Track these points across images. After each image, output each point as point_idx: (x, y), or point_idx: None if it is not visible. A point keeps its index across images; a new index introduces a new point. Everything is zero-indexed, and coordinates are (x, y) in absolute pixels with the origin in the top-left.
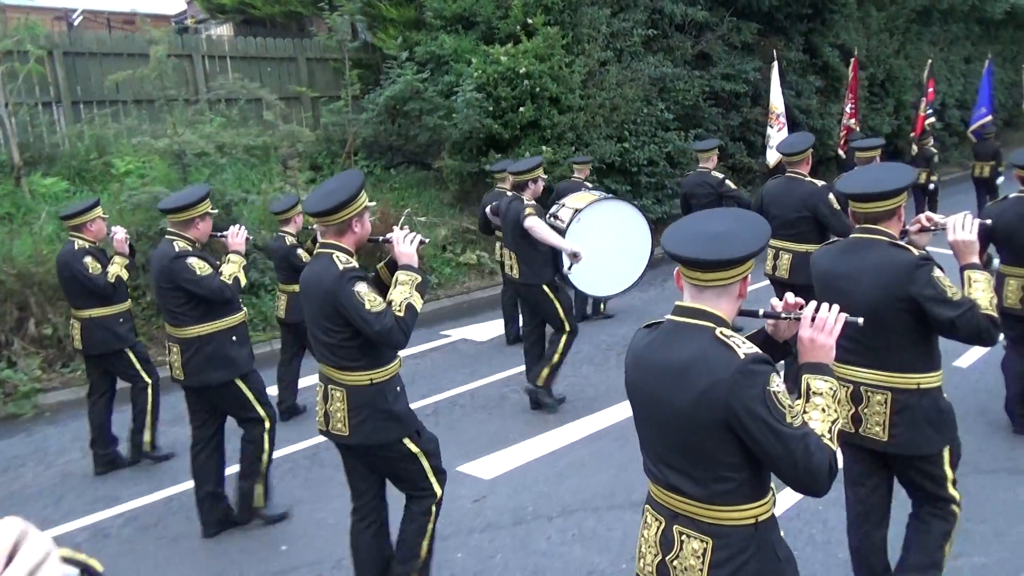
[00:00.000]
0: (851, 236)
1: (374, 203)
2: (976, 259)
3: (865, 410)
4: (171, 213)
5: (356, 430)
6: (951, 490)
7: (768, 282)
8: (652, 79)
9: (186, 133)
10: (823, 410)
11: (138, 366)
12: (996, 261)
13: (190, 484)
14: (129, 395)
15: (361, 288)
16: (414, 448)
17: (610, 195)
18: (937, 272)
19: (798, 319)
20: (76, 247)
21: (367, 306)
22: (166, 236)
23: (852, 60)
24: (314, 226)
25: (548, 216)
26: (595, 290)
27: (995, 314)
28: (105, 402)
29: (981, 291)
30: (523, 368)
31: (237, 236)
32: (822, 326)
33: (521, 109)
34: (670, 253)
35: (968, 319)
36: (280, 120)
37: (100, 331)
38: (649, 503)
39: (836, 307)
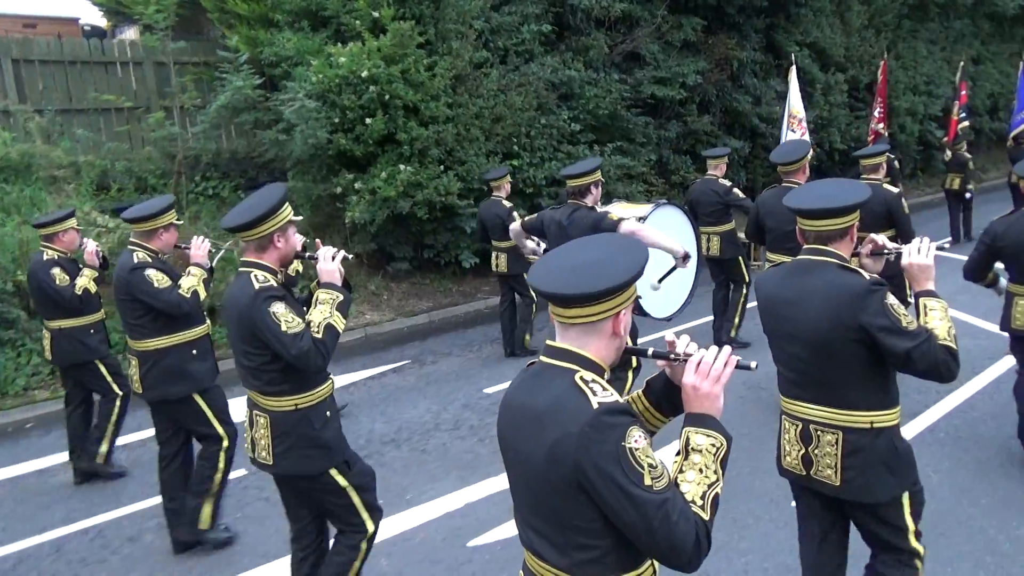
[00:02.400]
0: (798, 257)
1: (300, 217)
2: (932, 285)
3: (815, 451)
4: (134, 223)
5: (280, 459)
6: (913, 543)
7: None
8: (551, 84)
9: None
10: (700, 470)
11: (108, 378)
12: (1004, 280)
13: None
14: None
15: (278, 308)
16: (342, 481)
17: (664, 201)
18: (891, 299)
19: (685, 361)
20: (45, 258)
21: (283, 327)
22: (128, 247)
23: (881, 63)
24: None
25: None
26: (658, 312)
27: (954, 346)
28: (82, 413)
29: (938, 320)
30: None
31: (199, 248)
32: (706, 372)
33: (369, 121)
34: (532, 287)
35: (925, 351)
36: (38, 136)
37: (70, 342)
38: (523, 567)
39: (726, 350)
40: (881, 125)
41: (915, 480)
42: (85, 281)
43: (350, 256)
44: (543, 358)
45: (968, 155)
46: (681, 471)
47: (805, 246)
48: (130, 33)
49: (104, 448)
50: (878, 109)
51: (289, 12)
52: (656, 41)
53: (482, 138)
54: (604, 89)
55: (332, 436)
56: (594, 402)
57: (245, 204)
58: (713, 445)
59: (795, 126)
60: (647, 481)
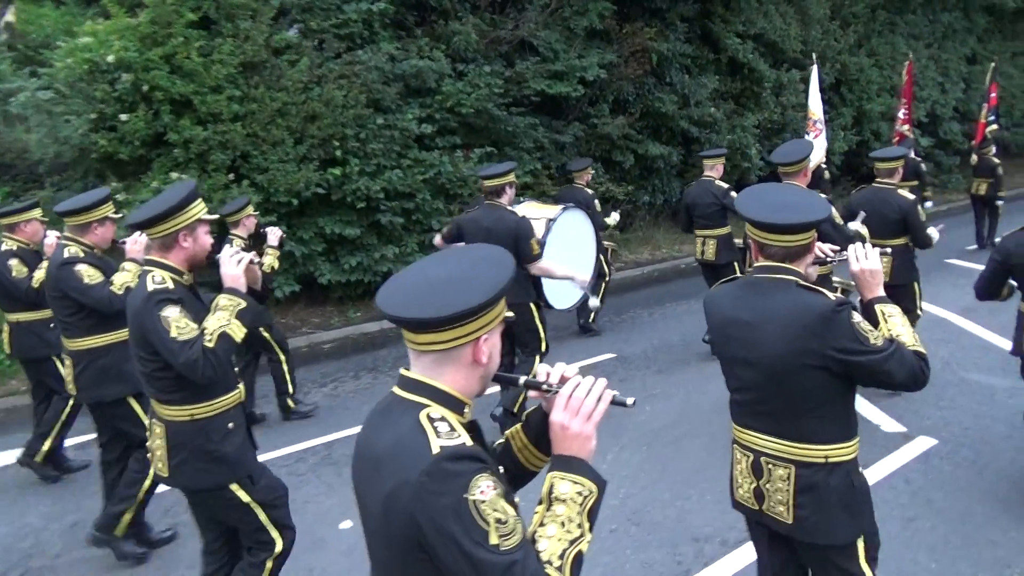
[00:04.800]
0: (754, 275)
1: (214, 216)
2: (883, 291)
3: (767, 485)
4: (67, 216)
5: (176, 472)
6: None
7: None
8: (396, 76)
9: None
10: (563, 524)
11: (64, 374)
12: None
13: None
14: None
15: (169, 312)
16: (244, 496)
17: (571, 204)
18: (856, 316)
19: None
20: (4, 248)
21: (172, 333)
22: (61, 241)
23: (907, 63)
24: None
25: None
26: (560, 303)
27: (923, 349)
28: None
29: (900, 326)
30: None
31: (136, 243)
32: (577, 408)
33: (124, 117)
34: (381, 311)
35: (899, 361)
36: None
37: (28, 336)
38: None
39: (601, 383)
40: (906, 127)
41: (871, 521)
42: (43, 274)
43: (258, 261)
44: (395, 389)
45: (997, 160)
46: (542, 524)
47: (760, 262)
48: (8, 15)
49: (46, 446)
50: (902, 111)
51: None
52: (556, 28)
53: (290, 140)
54: (471, 84)
55: (233, 450)
56: (435, 446)
57: (152, 200)
58: (580, 494)
59: (809, 128)
60: (493, 540)
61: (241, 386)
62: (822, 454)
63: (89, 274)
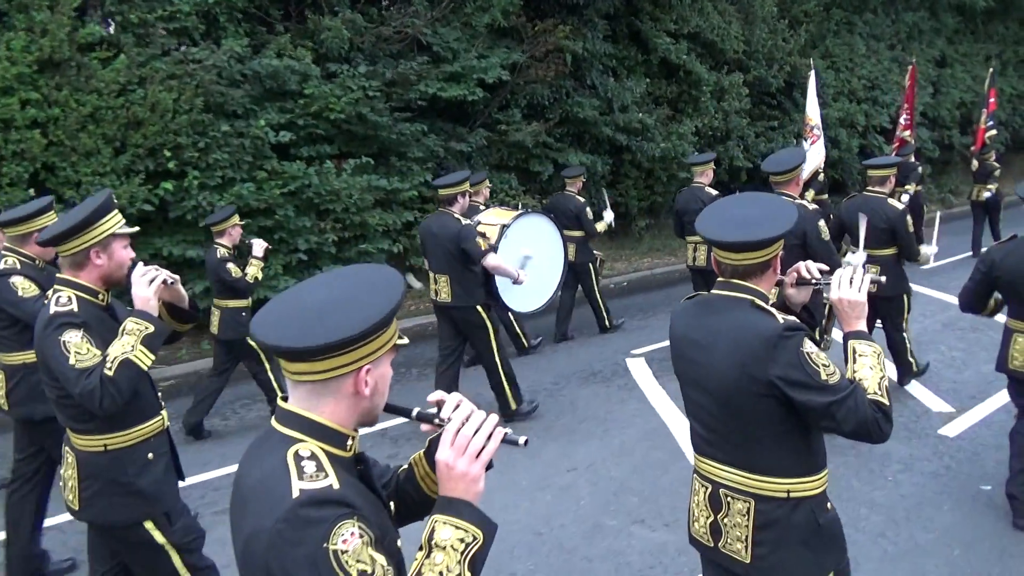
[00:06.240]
0: (711, 292)
1: (136, 228)
2: (864, 325)
3: (725, 520)
4: (6, 226)
5: (86, 504)
6: None
7: None
8: (241, 77)
9: None
10: (442, 573)
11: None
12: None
13: None
14: None
15: (70, 337)
16: (159, 537)
17: (528, 210)
18: (808, 346)
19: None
20: None
21: (71, 360)
22: (0, 252)
23: (910, 67)
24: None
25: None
26: (520, 306)
27: (886, 400)
28: None
29: (869, 369)
30: None
31: None
32: (463, 447)
33: None
34: (254, 337)
35: (850, 408)
36: None
37: None
38: None
39: (492, 419)
40: (907, 132)
41: (839, 559)
42: None
43: (173, 280)
44: (272, 421)
45: (996, 164)
46: (419, 573)
47: (720, 279)
48: None
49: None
50: (904, 116)
51: None
52: (455, 26)
53: (107, 150)
54: (341, 86)
55: (150, 483)
56: (295, 489)
57: (63, 215)
58: (462, 540)
59: (807, 134)
60: None
61: (164, 413)
62: (784, 488)
63: (23, 287)
